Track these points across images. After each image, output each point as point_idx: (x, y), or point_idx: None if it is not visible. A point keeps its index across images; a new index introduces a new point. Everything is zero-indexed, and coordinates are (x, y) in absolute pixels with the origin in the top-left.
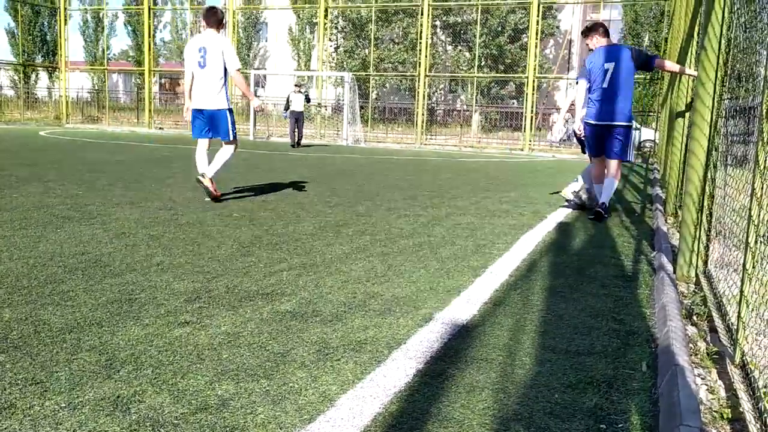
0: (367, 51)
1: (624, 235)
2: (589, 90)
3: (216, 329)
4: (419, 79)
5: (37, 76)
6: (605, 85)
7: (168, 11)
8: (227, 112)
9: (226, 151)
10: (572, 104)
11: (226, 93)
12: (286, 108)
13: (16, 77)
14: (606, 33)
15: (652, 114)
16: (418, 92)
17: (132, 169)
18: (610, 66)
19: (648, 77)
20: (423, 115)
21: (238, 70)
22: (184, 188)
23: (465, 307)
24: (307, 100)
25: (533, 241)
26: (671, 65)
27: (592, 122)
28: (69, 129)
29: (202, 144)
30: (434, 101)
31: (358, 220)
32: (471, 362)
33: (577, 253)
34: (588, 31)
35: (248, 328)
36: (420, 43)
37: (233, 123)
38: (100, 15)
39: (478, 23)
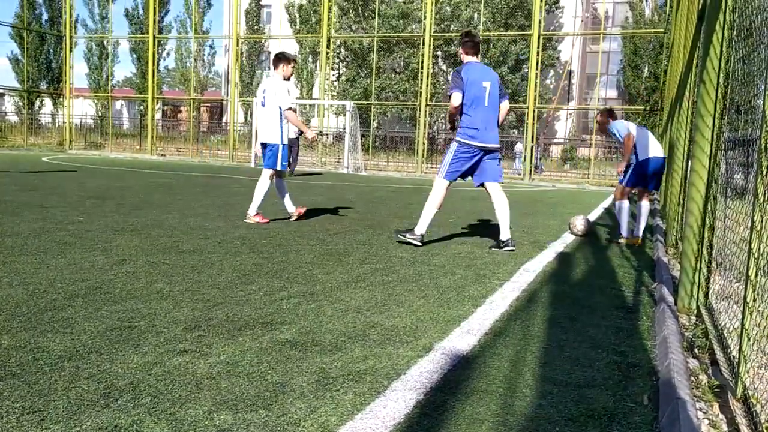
0: (368, 80)
1: (624, 265)
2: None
3: (215, 358)
4: (420, 108)
5: (41, 102)
6: (486, 104)
7: (172, 39)
8: (279, 146)
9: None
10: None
11: (281, 129)
12: None
13: (20, 103)
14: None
15: None
16: (419, 121)
17: (134, 196)
18: (488, 84)
19: (648, 108)
20: (424, 143)
21: (289, 108)
22: (185, 215)
23: (465, 337)
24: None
25: (534, 270)
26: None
27: (477, 144)
28: (72, 155)
29: (267, 175)
30: (435, 130)
31: (359, 249)
32: (471, 394)
33: (577, 283)
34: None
35: (247, 358)
36: (421, 72)
37: (283, 156)
38: (105, 43)
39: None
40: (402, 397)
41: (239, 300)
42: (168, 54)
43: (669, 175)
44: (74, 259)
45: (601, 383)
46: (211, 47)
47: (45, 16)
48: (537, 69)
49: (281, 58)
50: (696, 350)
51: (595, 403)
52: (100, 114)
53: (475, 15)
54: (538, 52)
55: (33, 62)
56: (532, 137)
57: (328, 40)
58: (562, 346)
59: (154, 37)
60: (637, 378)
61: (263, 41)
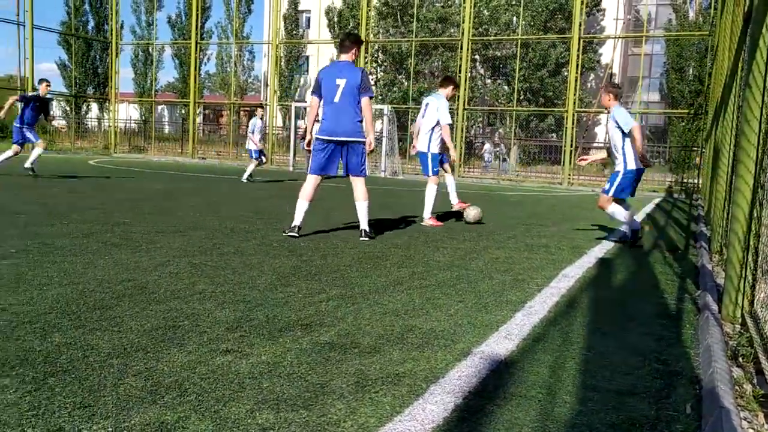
0: (406, 84)
1: (667, 272)
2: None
3: (257, 358)
4: (458, 112)
5: (87, 106)
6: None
7: (213, 45)
8: (429, 155)
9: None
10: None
11: (430, 139)
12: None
13: (68, 108)
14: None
15: (695, 149)
16: (456, 125)
17: (175, 199)
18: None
19: (692, 111)
20: (461, 147)
21: (448, 125)
22: (225, 218)
23: (503, 342)
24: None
25: (573, 276)
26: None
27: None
28: (117, 158)
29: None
30: (472, 134)
31: (396, 252)
32: (510, 399)
33: (618, 289)
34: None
35: (288, 359)
36: (459, 76)
37: (434, 163)
38: (149, 49)
39: (518, 57)
40: (440, 400)
41: (279, 302)
42: (209, 59)
43: (714, 180)
44: (120, 260)
45: (642, 391)
46: (251, 52)
47: (91, 23)
48: (577, 72)
49: (452, 80)
50: (740, 359)
51: (636, 411)
52: (144, 118)
53: (514, 18)
54: (578, 55)
55: (80, 68)
56: (572, 141)
57: (367, 45)
58: (602, 353)
59: (196, 42)
60: (679, 386)
61: (302, 46)
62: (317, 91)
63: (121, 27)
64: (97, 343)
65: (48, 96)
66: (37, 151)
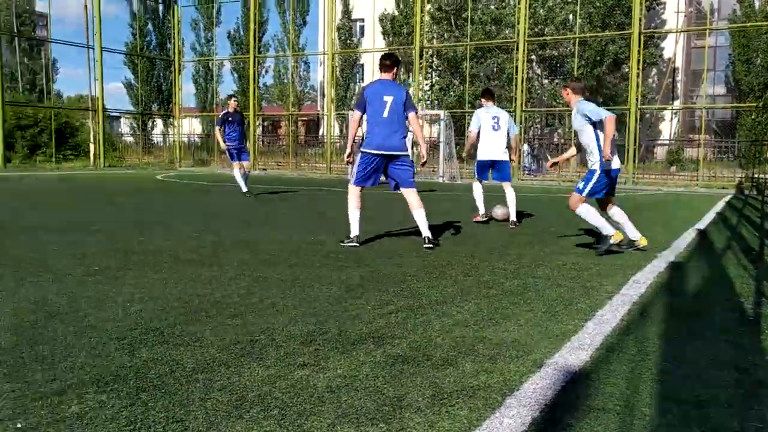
0: (462, 88)
1: (743, 275)
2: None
3: (333, 372)
4: (515, 114)
5: (153, 123)
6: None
7: (270, 58)
8: (509, 162)
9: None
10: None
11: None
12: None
13: (134, 125)
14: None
15: (766, 143)
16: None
17: (241, 211)
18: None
19: (762, 104)
20: (519, 149)
21: (516, 134)
22: (290, 229)
23: (576, 352)
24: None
25: (644, 282)
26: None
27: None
28: (182, 172)
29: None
30: (530, 135)
31: (461, 261)
32: (588, 411)
33: (692, 295)
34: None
35: (363, 372)
36: (516, 78)
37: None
38: (209, 64)
39: (576, 56)
40: (517, 413)
41: (350, 314)
42: (266, 71)
43: None
44: (195, 275)
45: (724, 401)
46: (306, 63)
47: (154, 43)
48: (638, 68)
49: (492, 92)
50: None
51: (718, 423)
52: (206, 132)
53: (570, 16)
54: (639, 51)
55: (145, 86)
56: (635, 139)
57: (421, 51)
58: (679, 362)
59: (254, 56)
60: (763, 396)
61: (357, 55)
62: (361, 106)
63: (182, 44)
64: (182, 359)
65: (236, 110)
66: (241, 171)
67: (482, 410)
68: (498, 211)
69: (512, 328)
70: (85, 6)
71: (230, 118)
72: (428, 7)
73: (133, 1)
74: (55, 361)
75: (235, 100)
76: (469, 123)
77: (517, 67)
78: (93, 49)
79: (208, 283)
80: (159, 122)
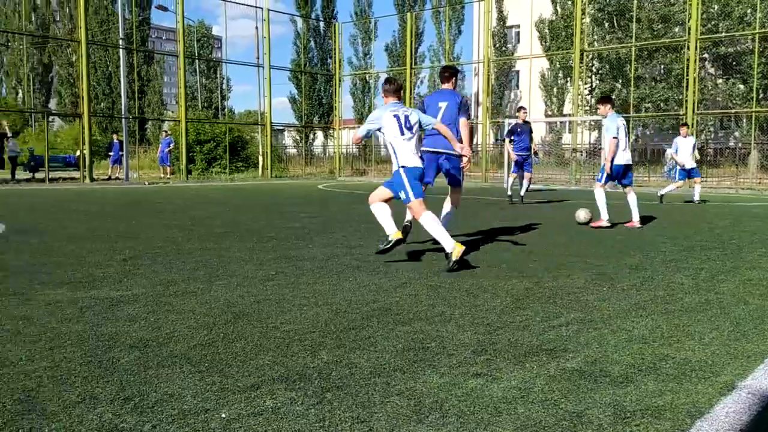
0: (626, 91)
1: None
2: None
3: (507, 383)
4: (686, 117)
5: (314, 135)
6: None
7: (426, 69)
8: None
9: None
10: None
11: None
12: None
13: (297, 137)
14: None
15: None
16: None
17: (401, 220)
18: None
19: None
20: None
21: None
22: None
23: None
24: (535, 154)
25: None
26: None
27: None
28: (341, 181)
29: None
30: (703, 139)
31: (632, 273)
32: None
33: None
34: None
35: (538, 384)
36: (686, 79)
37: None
38: (368, 77)
39: (756, 52)
40: None
41: (518, 325)
42: (422, 82)
43: None
44: (363, 282)
45: None
46: (461, 72)
47: (315, 59)
48: None
49: (609, 100)
50: None
51: None
52: (363, 142)
53: (748, 11)
54: None
55: (307, 100)
56: None
57: (582, 54)
58: None
59: (410, 68)
60: None
61: (511, 61)
62: (420, 110)
63: (341, 59)
64: (359, 362)
65: (525, 121)
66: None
67: None
68: (581, 214)
69: (696, 347)
70: (256, 28)
71: (519, 129)
72: (589, 9)
73: (297, 21)
74: (247, 358)
75: (524, 112)
76: (634, 128)
77: (687, 68)
78: (263, 67)
79: (377, 291)
80: (319, 134)
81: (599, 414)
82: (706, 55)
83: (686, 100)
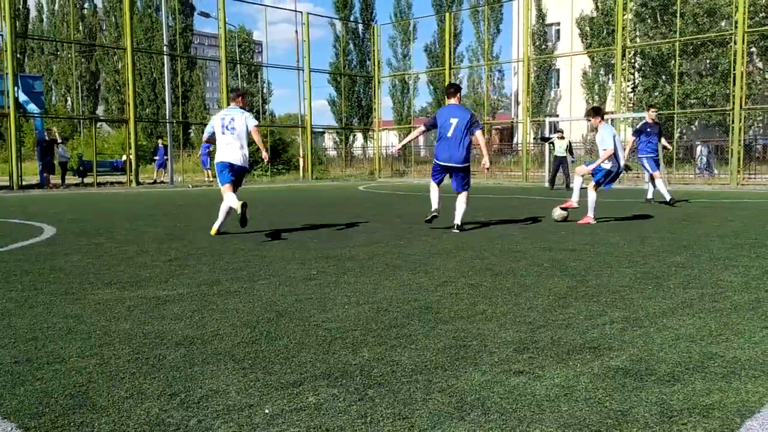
0: (670, 87)
1: None
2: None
3: (550, 381)
4: (734, 113)
5: (353, 136)
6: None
7: (464, 69)
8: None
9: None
10: None
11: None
12: (550, 151)
13: (337, 139)
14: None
15: None
16: (732, 127)
17: (439, 220)
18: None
19: None
20: (739, 152)
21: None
22: (491, 237)
23: None
24: (570, 151)
25: None
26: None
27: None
28: (381, 182)
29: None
30: (751, 135)
31: (678, 272)
32: None
33: None
34: None
35: (582, 382)
36: (733, 74)
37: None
38: (406, 78)
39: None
40: None
41: (561, 323)
42: (460, 81)
43: None
44: (403, 280)
45: None
46: (500, 71)
47: (355, 61)
48: None
49: (599, 112)
50: None
51: None
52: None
53: None
54: None
55: (347, 102)
56: None
57: (624, 51)
58: None
59: (449, 67)
60: None
61: (551, 60)
62: (429, 123)
63: (380, 60)
64: (400, 359)
65: (655, 121)
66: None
67: (718, 431)
68: (556, 212)
69: (745, 345)
70: (296, 32)
71: (649, 129)
72: (631, 4)
73: (336, 24)
74: (290, 355)
75: (653, 111)
76: (677, 124)
77: (734, 62)
78: (302, 70)
79: (418, 289)
80: (359, 136)
81: (645, 413)
82: (753, 49)
83: (733, 95)
